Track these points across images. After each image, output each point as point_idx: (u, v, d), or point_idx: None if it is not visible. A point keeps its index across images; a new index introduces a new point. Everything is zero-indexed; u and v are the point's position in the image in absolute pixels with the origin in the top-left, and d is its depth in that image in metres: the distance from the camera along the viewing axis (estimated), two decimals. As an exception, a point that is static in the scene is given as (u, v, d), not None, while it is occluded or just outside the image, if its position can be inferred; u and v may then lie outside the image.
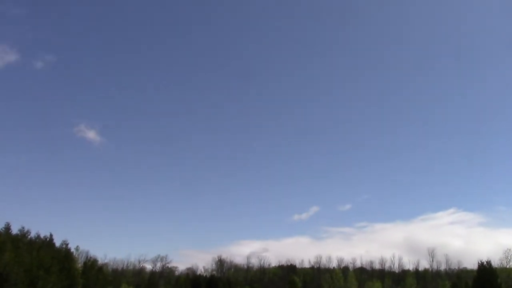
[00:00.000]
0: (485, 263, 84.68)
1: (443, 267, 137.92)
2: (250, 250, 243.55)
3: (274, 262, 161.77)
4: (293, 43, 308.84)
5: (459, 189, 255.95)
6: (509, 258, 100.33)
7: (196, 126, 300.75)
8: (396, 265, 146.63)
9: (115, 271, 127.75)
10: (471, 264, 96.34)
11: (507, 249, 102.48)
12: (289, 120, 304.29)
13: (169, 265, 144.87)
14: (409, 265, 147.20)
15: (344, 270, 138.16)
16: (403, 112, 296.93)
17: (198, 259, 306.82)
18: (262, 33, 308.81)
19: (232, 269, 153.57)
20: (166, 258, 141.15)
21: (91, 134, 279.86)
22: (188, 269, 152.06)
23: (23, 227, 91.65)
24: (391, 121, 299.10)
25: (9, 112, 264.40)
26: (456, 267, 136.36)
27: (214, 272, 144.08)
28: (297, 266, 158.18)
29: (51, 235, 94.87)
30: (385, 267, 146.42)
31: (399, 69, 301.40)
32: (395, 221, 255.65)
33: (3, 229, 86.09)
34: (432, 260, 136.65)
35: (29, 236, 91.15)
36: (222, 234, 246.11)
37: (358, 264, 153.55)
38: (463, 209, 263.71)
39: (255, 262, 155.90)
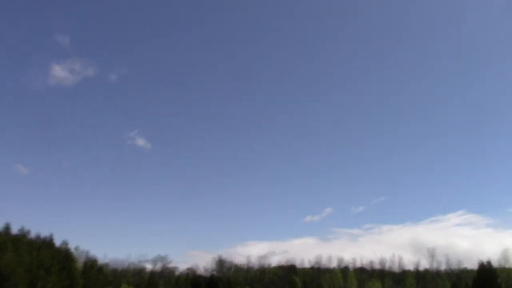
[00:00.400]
0: (485, 263, 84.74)
1: (443, 267, 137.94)
2: (257, 251, 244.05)
3: (274, 262, 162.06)
4: (293, 43, 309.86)
5: (468, 191, 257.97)
6: (507, 258, 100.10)
7: (198, 126, 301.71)
8: (396, 265, 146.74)
9: (115, 271, 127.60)
10: (476, 265, 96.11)
11: (504, 249, 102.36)
12: (298, 121, 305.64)
13: (169, 265, 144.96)
14: (409, 265, 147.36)
15: (344, 270, 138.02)
16: (419, 114, 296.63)
17: (205, 260, 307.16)
18: (262, 33, 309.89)
19: (232, 269, 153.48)
20: (166, 258, 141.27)
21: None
22: (188, 269, 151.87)
23: (23, 227, 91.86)
24: (402, 123, 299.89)
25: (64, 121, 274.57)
26: (456, 267, 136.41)
27: (214, 272, 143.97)
28: (297, 266, 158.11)
29: (51, 235, 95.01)
30: (385, 267, 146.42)
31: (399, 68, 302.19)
32: (405, 223, 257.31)
33: (3, 229, 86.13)
34: (432, 260, 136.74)
35: (29, 236, 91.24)
36: (231, 235, 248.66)
37: (358, 264, 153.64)
38: (472, 211, 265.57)
39: (255, 262, 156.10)
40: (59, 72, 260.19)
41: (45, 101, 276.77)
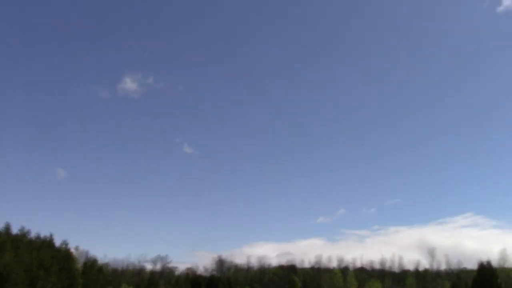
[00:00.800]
0: (485, 263, 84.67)
1: (443, 267, 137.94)
2: (265, 252, 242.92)
3: (274, 262, 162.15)
4: (294, 44, 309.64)
5: (475, 194, 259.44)
6: (505, 258, 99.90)
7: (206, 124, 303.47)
8: (396, 265, 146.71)
9: (115, 271, 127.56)
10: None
11: (503, 248, 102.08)
12: (317, 122, 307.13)
13: (169, 265, 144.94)
14: (409, 265, 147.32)
15: (344, 270, 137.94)
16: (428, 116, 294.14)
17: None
18: (263, 34, 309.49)
19: (232, 269, 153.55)
20: (166, 258, 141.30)
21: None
22: (188, 269, 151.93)
23: (23, 227, 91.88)
24: (417, 123, 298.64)
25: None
26: (456, 267, 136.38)
27: (214, 272, 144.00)
28: (297, 266, 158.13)
29: (51, 235, 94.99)
30: (385, 267, 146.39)
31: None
32: (413, 225, 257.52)
33: (3, 229, 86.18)
34: (432, 260, 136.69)
35: (29, 236, 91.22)
36: (240, 236, 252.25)
37: (358, 264, 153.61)
38: (479, 213, 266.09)
39: (255, 262, 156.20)
40: (128, 84, 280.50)
41: (106, 110, 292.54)
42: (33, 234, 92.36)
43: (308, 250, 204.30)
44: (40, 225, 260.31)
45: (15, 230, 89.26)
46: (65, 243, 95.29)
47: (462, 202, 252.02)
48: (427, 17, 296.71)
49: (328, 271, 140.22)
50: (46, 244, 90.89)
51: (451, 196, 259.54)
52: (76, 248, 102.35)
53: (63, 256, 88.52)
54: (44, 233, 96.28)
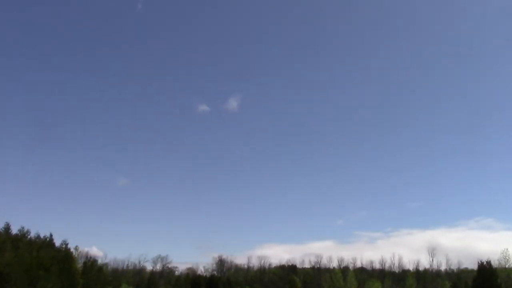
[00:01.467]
0: (485, 263, 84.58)
1: (443, 267, 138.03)
2: (276, 254, 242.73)
3: (274, 262, 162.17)
4: (294, 44, 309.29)
5: (488, 197, 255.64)
6: (507, 258, 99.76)
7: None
8: (396, 265, 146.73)
9: (115, 271, 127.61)
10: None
11: (505, 248, 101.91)
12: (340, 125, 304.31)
13: (169, 265, 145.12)
14: (409, 265, 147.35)
15: (344, 270, 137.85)
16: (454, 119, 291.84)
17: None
18: (263, 34, 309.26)
19: (232, 269, 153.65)
20: (166, 258, 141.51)
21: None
22: (188, 269, 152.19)
23: (23, 227, 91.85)
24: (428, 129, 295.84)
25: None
26: (456, 267, 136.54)
27: (214, 272, 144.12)
28: (297, 266, 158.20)
29: (51, 235, 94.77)
30: (385, 267, 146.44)
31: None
32: (428, 227, 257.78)
33: (3, 229, 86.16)
34: (432, 260, 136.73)
35: (29, 236, 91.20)
36: (252, 237, 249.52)
37: (358, 264, 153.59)
38: (490, 215, 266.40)
39: (255, 262, 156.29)
40: (231, 102, 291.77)
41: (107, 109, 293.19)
42: (33, 234, 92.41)
43: (320, 252, 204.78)
44: (40, 225, 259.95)
45: (15, 230, 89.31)
46: (65, 243, 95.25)
47: (474, 205, 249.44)
48: (427, 17, 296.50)
49: (328, 271, 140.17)
50: (46, 244, 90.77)
51: (463, 199, 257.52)
52: (76, 248, 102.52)
53: (63, 256, 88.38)
54: (44, 233, 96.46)
